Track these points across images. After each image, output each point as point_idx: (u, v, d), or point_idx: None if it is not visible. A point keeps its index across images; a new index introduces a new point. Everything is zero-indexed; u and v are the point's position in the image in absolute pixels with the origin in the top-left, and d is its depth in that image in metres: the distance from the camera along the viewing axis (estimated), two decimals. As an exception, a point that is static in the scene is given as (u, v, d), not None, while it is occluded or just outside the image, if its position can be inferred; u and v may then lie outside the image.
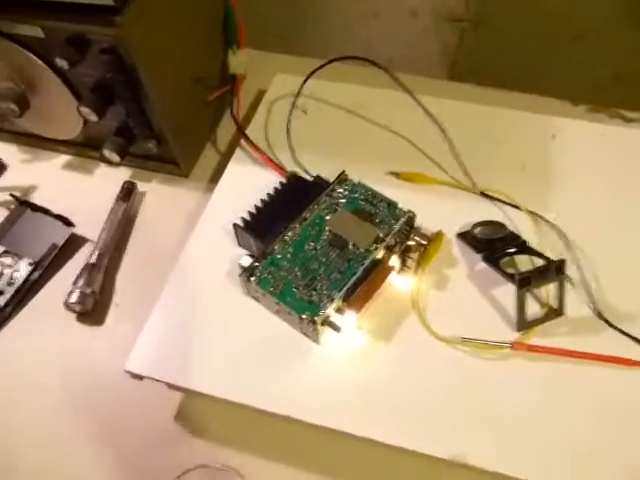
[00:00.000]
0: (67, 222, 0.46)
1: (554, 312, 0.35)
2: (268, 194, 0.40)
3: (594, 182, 0.42)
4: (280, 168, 0.43)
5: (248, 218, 0.39)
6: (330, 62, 0.41)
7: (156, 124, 0.45)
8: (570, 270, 0.37)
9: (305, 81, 0.43)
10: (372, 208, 0.39)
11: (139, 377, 0.35)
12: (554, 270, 0.34)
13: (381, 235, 0.37)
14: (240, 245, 0.40)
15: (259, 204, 0.40)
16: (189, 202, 0.49)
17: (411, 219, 0.38)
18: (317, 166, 0.43)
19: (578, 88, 0.58)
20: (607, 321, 0.35)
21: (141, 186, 0.50)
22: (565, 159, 0.44)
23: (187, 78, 0.46)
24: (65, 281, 0.43)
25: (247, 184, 0.43)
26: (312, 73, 0.42)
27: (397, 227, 0.37)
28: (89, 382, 0.40)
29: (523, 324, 0.35)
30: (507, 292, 0.37)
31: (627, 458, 0.31)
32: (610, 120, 0.54)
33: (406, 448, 0.32)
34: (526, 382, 0.33)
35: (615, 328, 0.35)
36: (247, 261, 0.37)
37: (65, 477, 0.37)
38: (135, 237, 0.47)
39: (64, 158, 0.52)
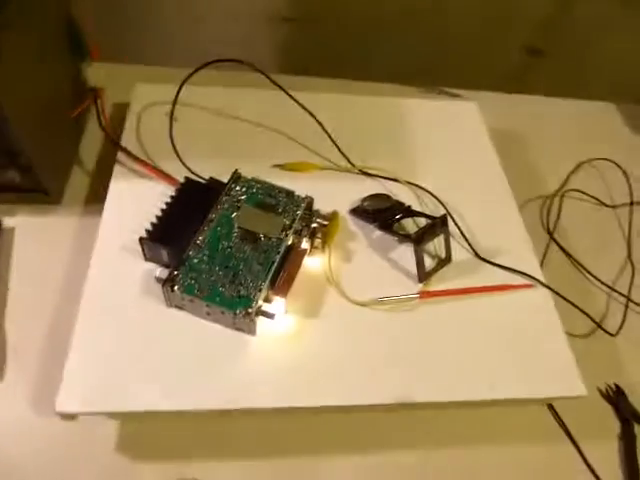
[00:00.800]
0: None
1: (444, 260, 0.42)
2: (166, 203, 0.40)
3: (445, 148, 0.50)
4: (168, 177, 0.43)
5: (152, 230, 0.38)
6: (203, 66, 0.42)
7: (18, 150, 0.41)
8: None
9: (180, 88, 0.43)
10: (272, 200, 0.41)
11: (71, 416, 0.33)
12: (440, 225, 0.40)
13: (287, 222, 0.39)
14: (147, 259, 0.39)
15: (160, 214, 0.39)
16: (67, 229, 0.46)
17: (310, 204, 0.41)
18: (203, 170, 0.44)
19: (397, 73, 0.66)
20: (483, 258, 0.43)
21: (6, 222, 0.45)
22: (419, 133, 0.51)
23: (45, 96, 0.43)
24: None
25: (135, 199, 0.42)
26: (186, 80, 0.43)
27: (300, 213, 0.40)
28: (7, 442, 0.36)
29: (423, 276, 0.40)
30: (403, 252, 0.42)
31: (526, 362, 0.38)
32: (439, 97, 0.63)
33: (357, 404, 0.35)
34: (437, 321, 0.39)
35: (490, 262, 0.42)
36: (164, 273, 0.36)
37: None
38: (16, 277, 0.43)
39: None
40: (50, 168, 0.45)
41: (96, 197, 0.48)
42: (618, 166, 0.57)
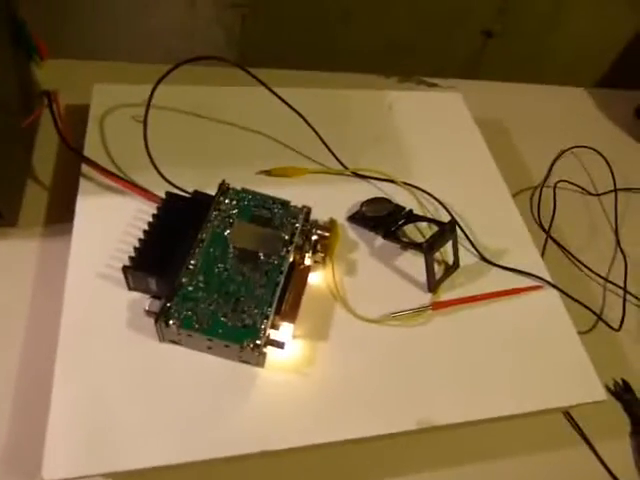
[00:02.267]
0: None
1: (452, 267, 0.39)
2: (149, 223, 0.35)
3: (436, 144, 0.48)
4: (145, 191, 0.38)
5: (137, 256, 0.34)
6: (180, 65, 0.37)
7: (-36, 169, 0.35)
8: (449, 226, 0.41)
9: (154, 88, 0.38)
10: (267, 212, 0.37)
11: (60, 482, 0.29)
12: (448, 230, 0.38)
13: (287, 237, 0.36)
14: (131, 289, 0.34)
15: (142, 236, 0.35)
16: (26, 255, 0.40)
17: (308, 214, 0.38)
18: (183, 181, 0.39)
19: (359, 61, 0.62)
20: (490, 262, 0.41)
21: (-48, 251, 0.39)
22: (408, 128, 0.48)
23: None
24: None
25: (108, 218, 0.37)
26: (161, 79, 0.37)
27: (299, 225, 0.37)
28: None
29: (434, 285, 0.38)
30: (406, 260, 0.40)
31: (545, 371, 0.36)
32: (417, 87, 0.60)
33: (376, 435, 0.32)
34: (451, 334, 0.37)
35: (497, 265, 0.40)
36: (155, 305, 0.32)
37: None
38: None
39: None
40: (2, 185, 0.39)
41: (57, 216, 0.43)
42: (599, 153, 0.57)
